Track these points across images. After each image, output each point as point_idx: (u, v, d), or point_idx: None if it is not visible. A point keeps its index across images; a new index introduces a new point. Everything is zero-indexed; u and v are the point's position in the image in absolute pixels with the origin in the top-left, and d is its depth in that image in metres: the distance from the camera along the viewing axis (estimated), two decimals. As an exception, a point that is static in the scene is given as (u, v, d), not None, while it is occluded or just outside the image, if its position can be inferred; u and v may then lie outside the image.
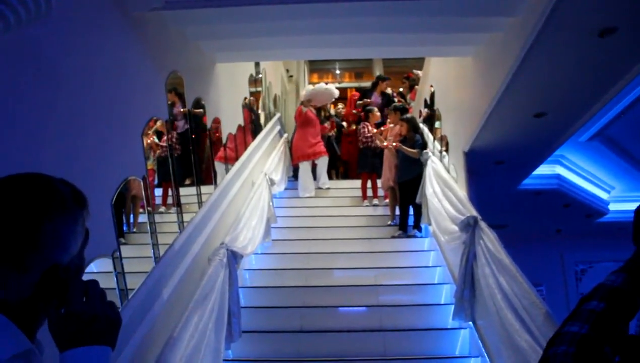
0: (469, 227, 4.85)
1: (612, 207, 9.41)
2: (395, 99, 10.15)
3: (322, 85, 9.53)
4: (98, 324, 1.04)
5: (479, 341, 4.61)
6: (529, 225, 9.48)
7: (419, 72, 9.97)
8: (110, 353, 1.05)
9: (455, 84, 6.35)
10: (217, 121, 5.50)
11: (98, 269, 2.89)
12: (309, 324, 5.25)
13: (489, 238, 4.49)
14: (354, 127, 10.04)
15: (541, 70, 4.22)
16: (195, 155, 4.80)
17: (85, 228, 1.12)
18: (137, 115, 3.44)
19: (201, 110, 5.05)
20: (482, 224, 4.74)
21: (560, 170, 7.71)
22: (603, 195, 9.03)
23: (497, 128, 5.26)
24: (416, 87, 9.95)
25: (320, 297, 5.67)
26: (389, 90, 10.30)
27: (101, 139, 2.85)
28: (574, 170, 8.02)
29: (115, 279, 2.91)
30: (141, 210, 4.00)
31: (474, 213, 4.96)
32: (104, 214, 2.78)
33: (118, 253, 2.95)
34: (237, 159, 6.31)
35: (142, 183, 3.40)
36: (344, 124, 10.44)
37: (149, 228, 3.66)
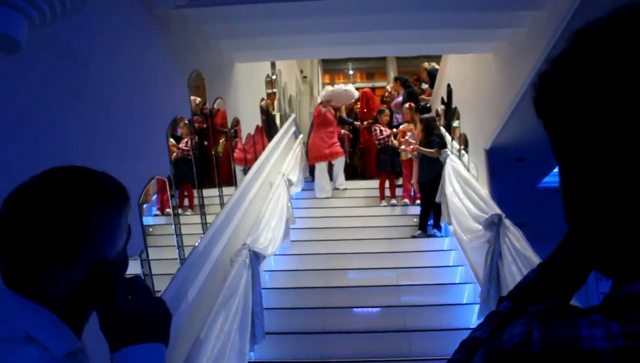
0: (493, 225, 4.78)
1: (633, 204, 9.25)
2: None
3: (341, 86, 9.47)
4: (145, 321, 1.00)
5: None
6: (548, 224, 9.22)
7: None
8: (165, 350, 1.02)
9: (474, 82, 6.28)
10: (236, 121, 5.47)
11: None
12: (331, 325, 5.20)
13: (514, 236, 4.42)
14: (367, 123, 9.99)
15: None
16: (216, 155, 4.78)
17: (128, 223, 1.09)
18: (161, 113, 3.42)
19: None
20: (507, 222, 4.67)
21: (581, 167, 7.61)
22: (624, 192, 8.89)
23: (519, 125, 5.18)
24: (424, 85, 9.92)
25: (342, 297, 5.62)
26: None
27: (127, 137, 2.83)
28: (595, 166, 7.91)
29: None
30: (158, 213, 3.98)
31: (498, 211, 4.89)
32: (132, 214, 2.75)
33: (145, 254, 2.92)
34: (255, 159, 6.28)
35: (167, 183, 3.37)
36: (358, 123, 10.37)
37: (174, 229, 3.63)
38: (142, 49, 3.19)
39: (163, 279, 3.31)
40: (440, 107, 8.33)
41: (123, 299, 1.01)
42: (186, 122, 4.03)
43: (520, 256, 4.18)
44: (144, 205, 3.78)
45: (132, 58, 3.02)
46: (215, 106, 4.96)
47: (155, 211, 4.00)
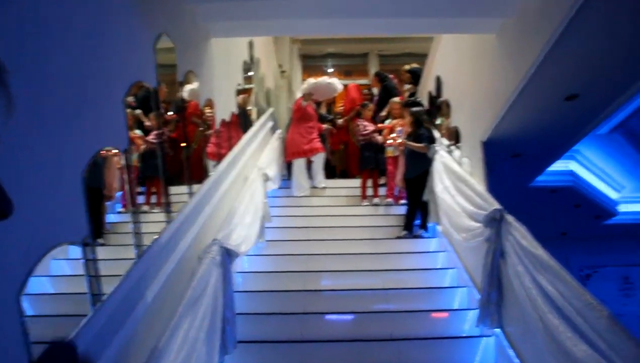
0: (494, 222, 4.30)
1: (621, 208, 8.97)
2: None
3: (325, 78, 8.89)
4: None
5: (510, 350, 4.04)
6: (535, 227, 8.96)
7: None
8: None
9: (471, 69, 5.83)
10: (210, 103, 4.91)
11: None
12: (311, 332, 4.66)
13: (520, 233, 3.94)
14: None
15: (585, 42, 3.70)
16: (187, 140, 4.23)
17: None
18: (118, 76, 2.84)
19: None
20: (510, 218, 4.19)
21: (574, 166, 7.25)
22: (613, 194, 8.59)
23: (522, 114, 4.75)
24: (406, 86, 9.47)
25: (322, 302, 5.11)
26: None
27: (70, 98, 2.25)
28: (588, 166, 7.56)
29: (86, 275, 2.30)
30: (122, 210, 3.48)
31: (498, 206, 4.41)
32: (72, 189, 2.17)
33: (90, 240, 2.33)
34: (230, 149, 5.72)
35: (122, 158, 2.79)
36: (339, 121, 9.86)
37: (133, 221, 3.07)
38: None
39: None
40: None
41: None
42: (156, 112, 3.50)
43: (528, 255, 3.70)
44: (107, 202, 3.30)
45: (81, 4, 2.45)
46: (187, 96, 4.44)
47: (119, 208, 3.55)
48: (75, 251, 2.38)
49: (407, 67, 9.60)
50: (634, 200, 9.02)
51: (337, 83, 8.94)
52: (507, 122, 4.86)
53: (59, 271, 2.58)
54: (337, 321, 4.91)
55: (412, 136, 6.61)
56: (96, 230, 2.59)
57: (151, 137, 3.83)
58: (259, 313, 4.90)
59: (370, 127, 8.07)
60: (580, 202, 7.87)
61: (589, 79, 4.20)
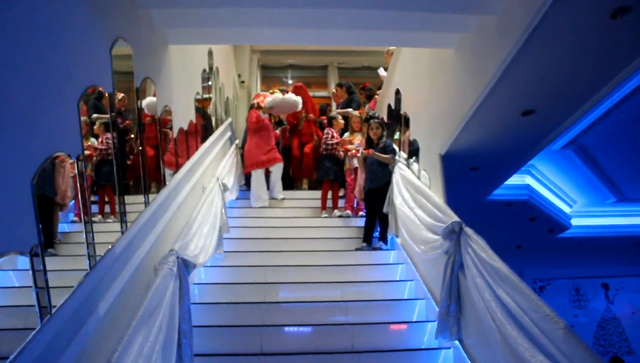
0: (452, 234, 4.33)
1: (573, 222, 9.24)
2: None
3: (291, 95, 8.77)
4: None
5: (469, 362, 4.06)
6: (490, 240, 9.11)
7: (384, 73, 9.31)
8: None
9: (430, 83, 5.89)
10: (168, 111, 4.79)
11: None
12: (270, 345, 4.58)
13: (479, 246, 3.97)
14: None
15: (541, 59, 3.80)
16: (143, 146, 4.11)
17: None
18: (73, 78, 2.73)
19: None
20: (468, 230, 4.23)
21: (529, 180, 7.42)
22: (566, 209, 8.84)
23: (479, 128, 4.82)
24: (376, 96, 9.44)
25: (282, 314, 5.04)
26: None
27: (21, 99, 2.14)
28: (542, 181, 7.76)
29: (34, 287, 2.18)
30: (76, 219, 3.35)
31: (456, 218, 4.45)
32: (20, 195, 2.06)
33: (41, 252, 2.22)
34: (188, 158, 5.60)
35: (75, 166, 2.68)
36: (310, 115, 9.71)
37: (85, 231, 2.95)
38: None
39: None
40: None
41: None
42: (105, 119, 3.39)
43: (487, 267, 3.73)
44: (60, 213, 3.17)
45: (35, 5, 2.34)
46: (144, 105, 4.33)
47: (72, 217, 3.37)
48: (25, 261, 2.26)
49: (392, 49, 9.14)
50: (585, 214, 9.32)
51: (300, 101, 8.89)
52: (465, 136, 4.92)
53: (5, 282, 2.45)
54: (297, 333, 4.84)
55: (375, 148, 6.61)
56: (47, 240, 2.48)
57: (101, 144, 3.71)
58: (216, 326, 4.79)
59: (335, 139, 8.05)
60: (535, 215, 8.06)
61: (545, 94, 4.31)
